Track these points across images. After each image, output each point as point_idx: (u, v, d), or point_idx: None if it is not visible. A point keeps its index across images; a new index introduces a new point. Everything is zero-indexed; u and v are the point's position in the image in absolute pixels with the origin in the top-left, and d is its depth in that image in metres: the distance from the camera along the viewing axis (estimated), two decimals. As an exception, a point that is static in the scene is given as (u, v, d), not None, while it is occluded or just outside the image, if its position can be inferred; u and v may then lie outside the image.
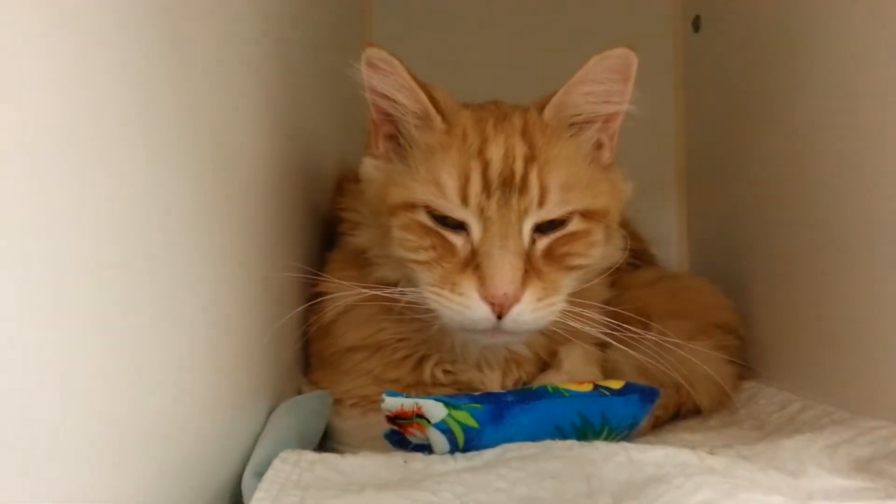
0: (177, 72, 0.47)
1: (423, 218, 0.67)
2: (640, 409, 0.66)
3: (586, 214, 0.68)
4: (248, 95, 0.64)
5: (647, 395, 0.67)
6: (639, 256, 0.97)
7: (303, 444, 0.61)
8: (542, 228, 0.66)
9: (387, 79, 0.67)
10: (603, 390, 0.65)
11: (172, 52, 0.47)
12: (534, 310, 0.64)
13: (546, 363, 0.78)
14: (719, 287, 0.96)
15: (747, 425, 0.76)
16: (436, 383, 0.75)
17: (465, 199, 0.65)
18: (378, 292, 0.69)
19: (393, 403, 0.60)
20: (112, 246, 0.38)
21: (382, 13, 1.34)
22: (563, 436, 0.62)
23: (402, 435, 0.61)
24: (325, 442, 0.71)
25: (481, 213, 0.65)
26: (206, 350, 0.52)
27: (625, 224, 0.81)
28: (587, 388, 0.65)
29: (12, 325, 0.30)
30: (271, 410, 0.66)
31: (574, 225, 0.68)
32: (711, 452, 0.57)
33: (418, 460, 0.58)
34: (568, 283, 0.67)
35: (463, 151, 0.67)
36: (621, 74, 0.68)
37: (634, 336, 0.72)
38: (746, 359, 0.89)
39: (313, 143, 0.92)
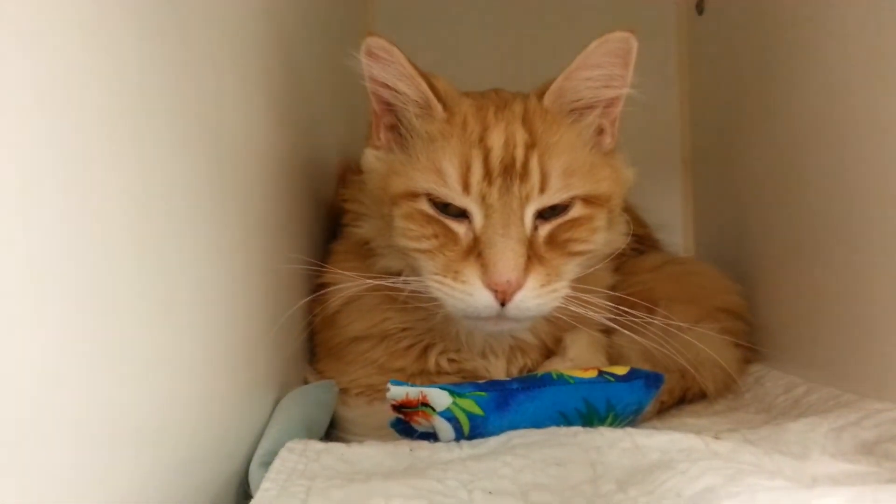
0: (177, 63, 0.47)
1: (425, 207, 0.67)
2: (645, 394, 0.66)
3: (588, 200, 0.68)
4: (251, 86, 0.64)
5: (652, 380, 0.67)
6: (643, 241, 0.97)
7: (309, 434, 0.61)
8: (544, 215, 0.66)
9: (387, 68, 0.67)
10: (608, 376, 0.65)
11: (173, 43, 0.47)
12: (537, 296, 0.64)
13: (551, 350, 0.79)
14: (725, 271, 0.96)
15: (753, 409, 0.76)
16: (440, 372, 0.75)
17: (466, 187, 0.65)
18: (382, 282, 0.70)
19: (398, 392, 0.60)
20: (117, 239, 0.38)
21: (384, 1, 1.34)
22: (568, 422, 0.62)
23: (407, 423, 0.61)
24: (332, 431, 0.71)
25: (483, 200, 0.65)
26: (212, 342, 0.52)
27: (629, 209, 0.81)
28: (592, 374, 0.65)
29: (15, 321, 0.30)
30: (277, 401, 0.67)
31: (576, 211, 0.68)
32: (716, 437, 0.57)
33: (424, 448, 0.58)
34: (571, 269, 0.67)
35: (464, 139, 0.67)
36: (621, 58, 0.67)
37: (639, 321, 0.72)
38: (752, 342, 0.89)
39: (316, 135, 0.92)
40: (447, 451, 0.58)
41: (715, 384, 0.78)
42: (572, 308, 0.67)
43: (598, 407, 0.63)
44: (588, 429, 0.59)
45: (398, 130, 0.71)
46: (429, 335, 0.76)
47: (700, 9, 1.21)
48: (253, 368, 0.62)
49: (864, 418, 0.61)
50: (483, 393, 0.61)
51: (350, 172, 0.84)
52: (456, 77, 0.74)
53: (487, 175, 0.65)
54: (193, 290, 0.49)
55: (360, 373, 0.76)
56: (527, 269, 0.63)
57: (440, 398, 0.59)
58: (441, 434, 0.60)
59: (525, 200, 0.65)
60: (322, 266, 0.75)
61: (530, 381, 0.64)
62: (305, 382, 0.77)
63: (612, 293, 0.75)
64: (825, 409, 0.67)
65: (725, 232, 1.12)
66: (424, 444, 0.59)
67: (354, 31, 1.23)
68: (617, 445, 0.55)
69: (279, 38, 0.75)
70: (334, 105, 1.01)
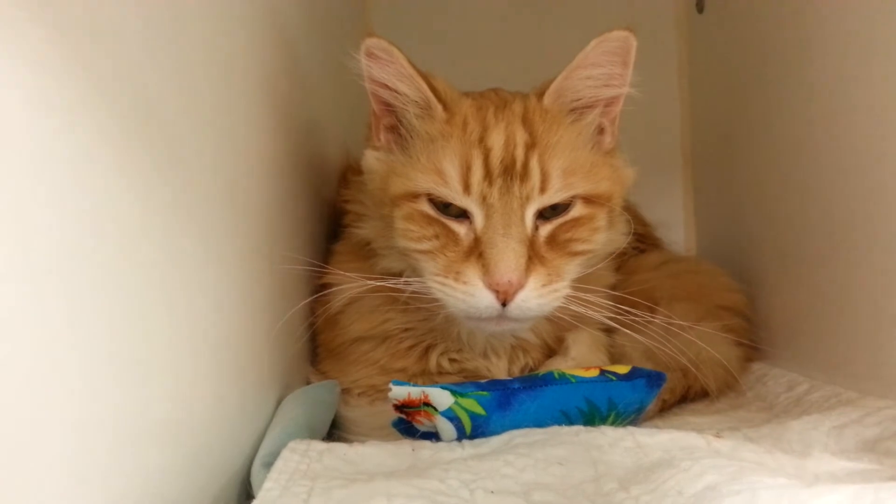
0: (177, 63, 0.47)
1: (426, 207, 0.67)
2: (647, 393, 0.66)
3: (588, 199, 0.68)
4: (252, 87, 0.64)
5: (654, 379, 0.67)
6: (644, 240, 0.97)
7: (311, 434, 0.61)
8: (544, 215, 0.67)
9: (386, 68, 0.67)
10: (609, 375, 0.65)
11: (177, 42, 0.47)
12: (538, 296, 0.64)
13: (552, 350, 0.79)
14: (726, 269, 0.96)
15: (755, 407, 0.76)
16: (442, 372, 0.75)
17: (467, 187, 0.65)
18: (383, 283, 0.70)
19: (400, 392, 0.60)
20: (121, 242, 0.39)
21: (384, 1, 1.34)
22: (570, 421, 0.62)
23: (409, 423, 0.61)
24: (334, 431, 0.71)
25: (483, 200, 0.65)
26: (215, 343, 0.52)
27: (629, 208, 0.81)
28: (594, 373, 0.65)
29: (15, 322, 0.30)
30: (279, 401, 0.67)
31: (576, 210, 0.68)
32: (718, 435, 0.57)
33: (426, 448, 0.58)
34: (572, 268, 0.67)
35: (464, 140, 0.67)
36: (621, 57, 0.67)
37: (641, 320, 0.72)
38: (754, 341, 0.89)
39: (317, 136, 0.92)
40: (449, 451, 0.58)
41: (717, 383, 0.78)
42: (573, 307, 0.67)
43: (599, 406, 0.63)
44: (590, 428, 0.59)
45: (398, 131, 0.71)
46: (430, 336, 0.76)
47: (700, 7, 1.20)
48: (255, 369, 0.62)
49: (866, 416, 0.61)
50: (485, 392, 0.61)
51: (351, 173, 0.84)
52: (456, 77, 0.74)
53: (488, 175, 0.65)
54: (195, 291, 0.49)
55: (362, 373, 0.77)
56: (528, 269, 0.63)
57: (442, 398, 0.59)
58: (443, 434, 0.60)
59: (526, 200, 0.65)
60: (323, 267, 0.75)
61: (532, 381, 0.64)
62: (308, 383, 0.77)
63: (613, 292, 0.75)
64: (827, 406, 0.67)
65: (726, 230, 1.12)
66: (426, 443, 0.60)
67: (355, 31, 1.23)
68: (619, 444, 0.55)
69: (282, 39, 0.75)
70: (335, 106, 1.01)
